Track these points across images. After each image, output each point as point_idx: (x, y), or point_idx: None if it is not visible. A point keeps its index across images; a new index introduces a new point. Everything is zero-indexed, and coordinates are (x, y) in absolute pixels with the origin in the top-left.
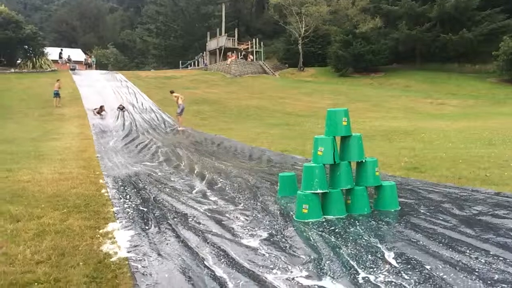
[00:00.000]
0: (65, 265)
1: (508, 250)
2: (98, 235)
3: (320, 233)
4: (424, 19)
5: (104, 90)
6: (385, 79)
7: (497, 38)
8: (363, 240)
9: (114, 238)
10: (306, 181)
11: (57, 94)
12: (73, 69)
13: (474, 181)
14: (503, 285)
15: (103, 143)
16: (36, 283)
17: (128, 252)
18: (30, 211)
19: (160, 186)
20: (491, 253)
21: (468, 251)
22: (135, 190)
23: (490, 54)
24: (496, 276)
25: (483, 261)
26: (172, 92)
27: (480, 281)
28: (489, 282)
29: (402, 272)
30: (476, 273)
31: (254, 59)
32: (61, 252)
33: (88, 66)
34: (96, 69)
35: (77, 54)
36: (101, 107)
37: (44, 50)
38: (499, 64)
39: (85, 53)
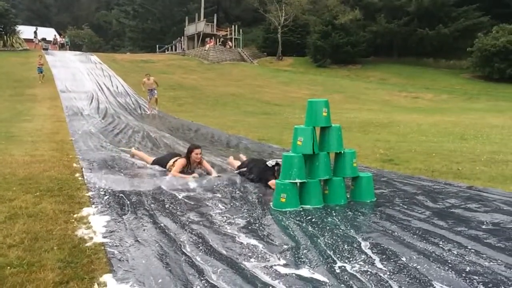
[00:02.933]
0: (39, 249)
1: (480, 243)
2: (73, 220)
3: (297, 222)
4: (403, 13)
5: (77, 72)
6: (362, 71)
7: (472, 34)
8: (340, 230)
9: (89, 223)
10: (285, 170)
11: (41, 70)
12: (45, 49)
13: (447, 174)
14: (475, 276)
15: (76, 126)
16: (8, 267)
17: (104, 237)
18: (1, 194)
19: (136, 171)
20: (463, 245)
21: (441, 243)
22: (110, 175)
23: (465, 50)
24: (468, 268)
25: (455, 252)
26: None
27: (453, 272)
28: (461, 273)
29: (377, 262)
30: (449, 264)
31: (233, 46)
32: (34, 236)
33: (61, 46)
34: (70, 50)
35: (50, 34)
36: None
37: (16, 28)
38: (473, 60)
39: (59, 34)
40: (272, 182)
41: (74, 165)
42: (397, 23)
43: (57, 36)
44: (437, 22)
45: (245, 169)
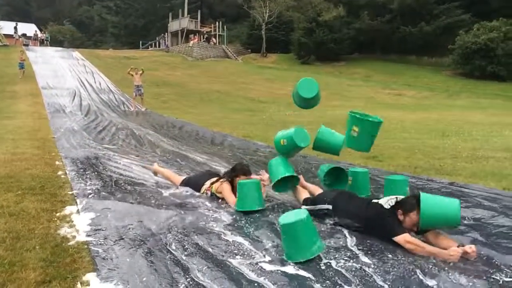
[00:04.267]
0: (20, 249)
1: (462, 238)
2: (55, 218)
3: None
4: (386, 10)
5: (59, 68)
6: (346, 68)
7: (453, 32)
8: (326, 226)
9: (72, 221)
10: (272, 174)
11: (22, 66)
12: (26, 45)
13: (429, 170)
14: (457, 269)
15: (58, 123)
16: None
17: (88, 236)
18: None
19: (121, 169)
20: None
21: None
22: (94, 173)
23: (447, 48)
24: (451, 262)
25: None
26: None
27: (436, 268)
28: (444, 267)
29: (362, 257)
30: (433, 259)
31: (217, 43)
32: (15, 235)
33: (41, 42)
34: (51, 46)
35: (31, 29)
36: None
37: None
38: (455, 57)
39: (40, 29)
40: (404, 239)
41: (57, 163)
42: (380, 21)
43: (38, 32)
44: (419, 20)
45: (328, 207)
